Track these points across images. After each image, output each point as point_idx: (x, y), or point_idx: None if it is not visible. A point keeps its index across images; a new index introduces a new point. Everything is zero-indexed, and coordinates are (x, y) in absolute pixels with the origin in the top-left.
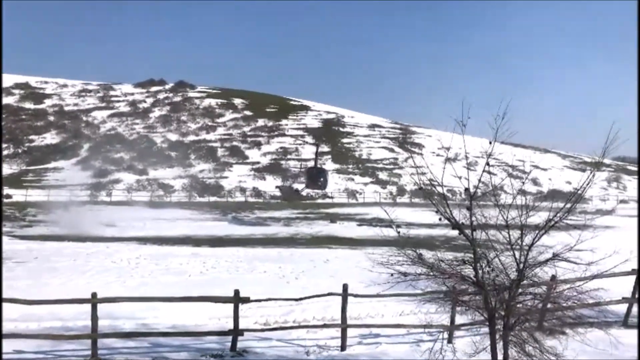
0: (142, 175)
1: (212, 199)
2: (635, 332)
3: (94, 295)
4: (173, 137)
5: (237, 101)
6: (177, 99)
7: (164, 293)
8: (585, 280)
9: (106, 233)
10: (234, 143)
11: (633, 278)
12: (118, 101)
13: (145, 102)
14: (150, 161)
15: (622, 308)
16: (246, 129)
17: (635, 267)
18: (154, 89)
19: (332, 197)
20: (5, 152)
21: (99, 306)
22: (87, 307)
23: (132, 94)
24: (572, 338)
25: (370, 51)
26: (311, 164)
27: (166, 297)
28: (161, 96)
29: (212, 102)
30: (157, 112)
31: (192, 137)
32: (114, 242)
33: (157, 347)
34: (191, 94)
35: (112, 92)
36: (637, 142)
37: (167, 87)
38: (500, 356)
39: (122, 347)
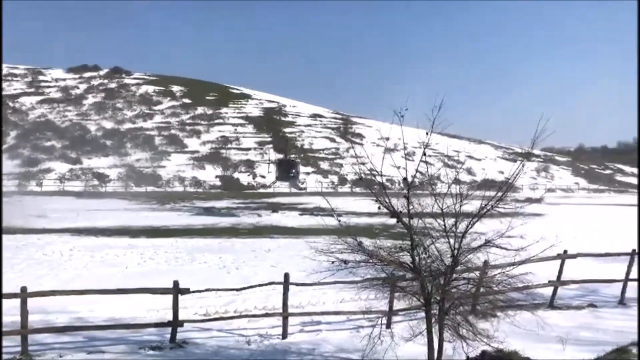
0: (75, 164)
1: (150, 188)
2: (558, 312)
3: (23, 289)
4: (108, 124)
5: (175, 88)
6: (112, 85)
7: (100, 286)
8: (515, 265)
9: (37, 224)
10: (172, 131)
11: (558, 262)
12: (48, 87)
13: (78, 88)
14: (84, 150)
15: (548, 291)
16: (185, 117)
17: (561, 251)
18: (87, 74)
19: (305, 189)
20: None
21: (30, 301)
22: (17, 302)
23: (64, 79)
24: (503, 320)
25: (315, 42)
26: (252, 152)
27: (102, 289)
28: (95, 82)
29: (149, 89)
30: (91, 99)
31: (128, 125)
32: (45, 233)
33: (93, 341)
34: (127, 81)
35: (41, 77)
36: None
37: (101, 73)
38: (435, 339)
39: (55, 342)
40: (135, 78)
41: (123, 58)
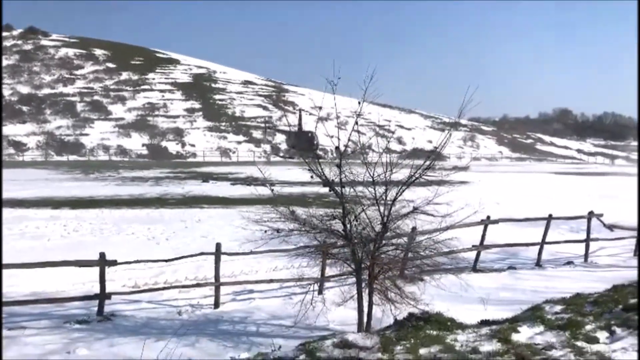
0: None
1: (72, 157)
2: (481, 275)
3: None
4: (24, 89)
5: (98, 52)
6: (28, 47)
7: (20, 260)
8: (441, 231)
9: None
10: (95, 97)
11: (481, 228)
12: None
13: None
14: None
15: (472, 255)
16: (109, 82)
17: (484, 217)
18: None
19: (325, 158)
20: None
21: None
22: None
23: None
24: (429, 284)
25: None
26: (181, 120)
27: (22, 263)
28: (8, 43)
29: (69, 52)
30: (3, 61)
31: (47, 90)
32: None
33: (14, 316)
34: (44, 42)
35: None
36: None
37: (14, 33)
38: (365, 303)
39: None
40: (53, 40)
41: (39, 18)
